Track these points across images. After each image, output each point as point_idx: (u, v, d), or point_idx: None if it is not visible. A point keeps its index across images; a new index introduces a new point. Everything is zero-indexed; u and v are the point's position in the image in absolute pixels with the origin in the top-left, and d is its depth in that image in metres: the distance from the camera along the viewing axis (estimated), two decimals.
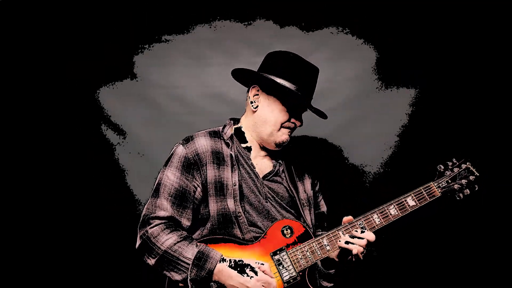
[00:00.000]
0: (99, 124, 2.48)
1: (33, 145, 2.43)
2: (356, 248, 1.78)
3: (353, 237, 1.81)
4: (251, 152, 1.99)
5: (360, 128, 2.54)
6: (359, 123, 2.54)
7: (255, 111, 1.96)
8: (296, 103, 1.92)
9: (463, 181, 1.93)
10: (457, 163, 1.98)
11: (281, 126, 1.93)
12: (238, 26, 2.50)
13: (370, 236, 1.81)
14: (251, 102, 1.97)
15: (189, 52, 2.50)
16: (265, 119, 1.93)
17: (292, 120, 1.94)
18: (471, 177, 1.94)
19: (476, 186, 1.94)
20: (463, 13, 2.50)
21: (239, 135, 2.01)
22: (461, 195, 1.93)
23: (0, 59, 2.43)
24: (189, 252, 1.73)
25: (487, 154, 2.43)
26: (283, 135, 1.94)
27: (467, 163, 1.97)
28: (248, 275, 1.70)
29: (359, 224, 1.86)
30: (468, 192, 1.93)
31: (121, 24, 2.46)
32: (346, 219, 1.87)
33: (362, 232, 1.81)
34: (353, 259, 1.81)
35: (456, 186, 1.92)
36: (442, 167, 1.97)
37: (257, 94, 1.95)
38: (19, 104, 2.43)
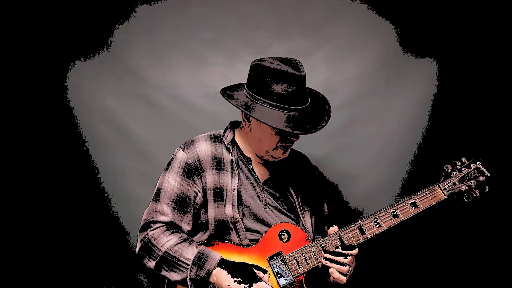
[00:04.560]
0: (97, 123, 2.47)
1: (31, 145, 2.44)
2: (335, 269, 1.74)
3: (334, 253, 1.75)
4: (251, 158, 1.94)
5: (360, 128, 2.48)
6: (359, 123, 2.48)
7: (249, 130, 1.86)
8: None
9: (472, 182, 1.84)
10: (466, 163, 1.88)
11: (277, 146, 1.83)
12: (238, 26, 2.46)
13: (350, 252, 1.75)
14: (243, 120, 1.88)
15: (189, 52, 2.47)
16: (258, 138, 1.84)
17: (289, 138, 1.82)
18: (481, 178, 1.84)
19: (486, 187, 1.84)
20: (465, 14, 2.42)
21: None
22: (470, 197, 1.84)
23: None
24: (189, 253, 1.73)
25: (499, 153, 2.33)
26: (279, 152, 1.86)
27: (477, 162, 1.87)
28: (247, 283, 1.67)
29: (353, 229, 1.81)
30: (478, 193, 1.84)
31: (119, 23, 2.46)
32: (330, 230, 1.82)
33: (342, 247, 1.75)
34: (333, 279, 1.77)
35: (464, 188, 1.84)
36: (450, 168, 1.88)
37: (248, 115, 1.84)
38: (16, 103, 2.44)
